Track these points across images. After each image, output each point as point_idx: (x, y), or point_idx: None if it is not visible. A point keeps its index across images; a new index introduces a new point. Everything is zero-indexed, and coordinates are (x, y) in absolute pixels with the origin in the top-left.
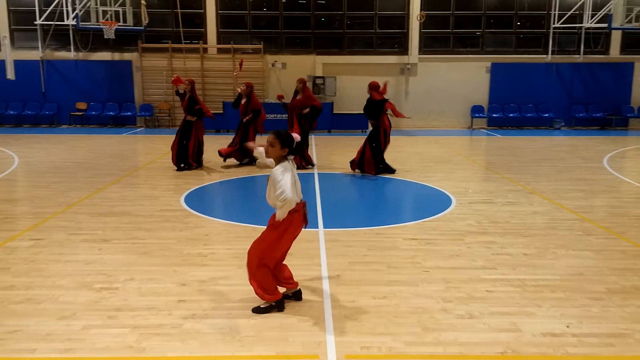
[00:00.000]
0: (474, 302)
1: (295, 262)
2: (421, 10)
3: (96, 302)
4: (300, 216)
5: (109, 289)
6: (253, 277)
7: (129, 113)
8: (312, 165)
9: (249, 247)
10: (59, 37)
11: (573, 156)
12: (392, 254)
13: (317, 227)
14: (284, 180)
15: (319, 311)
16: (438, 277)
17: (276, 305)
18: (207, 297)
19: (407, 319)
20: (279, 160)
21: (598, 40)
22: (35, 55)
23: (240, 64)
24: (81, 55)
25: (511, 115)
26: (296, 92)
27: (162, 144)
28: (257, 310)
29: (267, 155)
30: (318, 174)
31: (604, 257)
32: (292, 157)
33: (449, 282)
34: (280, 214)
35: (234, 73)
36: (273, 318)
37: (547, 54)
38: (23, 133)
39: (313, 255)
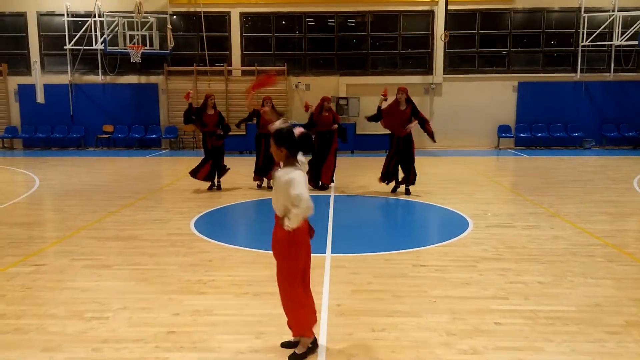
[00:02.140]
0: (479, 336)
1: None
2: (445, 30)
3: (83, 333)
4: (306, 226)
5: (100, 319)
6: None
7: (154, 135)
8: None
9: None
10: (87, 61)
11: (601, 177)
12: (398, 282)
13: (325, 253)
14: (296, 178)
15: None
16: (444, 307)
17: (312, 347)
18: (198, 328)
19: (405, 354)
20: (286, 162)
21: (629, 58)
22: (64, 79)
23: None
24: (109, 78)
25: (539, 134)
26: (321, 109)
27: (184, 166)
28: (294, 357)
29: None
30: (334, 195)
31: (625, 286)
32: (302, 158)
33: (455, 313)
34: (294, 221)
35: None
36: (264, 354)
37: (575, 72)
38: (50, 156)
39: (316, 283)
